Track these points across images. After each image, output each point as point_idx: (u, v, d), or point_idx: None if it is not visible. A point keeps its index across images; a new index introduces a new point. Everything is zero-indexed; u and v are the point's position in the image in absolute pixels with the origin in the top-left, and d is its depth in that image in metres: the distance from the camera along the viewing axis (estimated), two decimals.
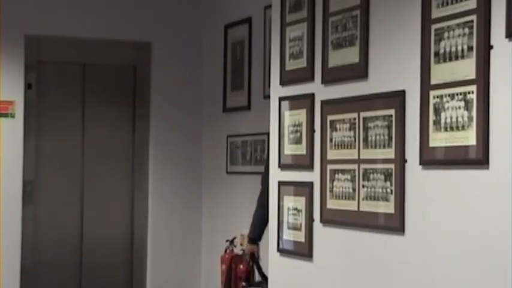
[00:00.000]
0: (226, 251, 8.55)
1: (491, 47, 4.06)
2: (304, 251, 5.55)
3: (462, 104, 4.21)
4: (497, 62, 4.03)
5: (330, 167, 5.31)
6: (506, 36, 3.96)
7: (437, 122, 4.37)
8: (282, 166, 5.89)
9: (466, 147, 4.18)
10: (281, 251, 5.87)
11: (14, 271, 8.97)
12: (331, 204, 5.29)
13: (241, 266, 8.30)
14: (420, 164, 4.51)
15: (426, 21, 4.49)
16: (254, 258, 6.84)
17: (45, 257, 9.12)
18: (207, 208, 9.30)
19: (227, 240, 8.58)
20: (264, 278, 6.56)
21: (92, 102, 9.38)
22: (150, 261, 9.30)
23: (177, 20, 9.42)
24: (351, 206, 5.10)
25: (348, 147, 5.15)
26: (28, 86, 9.07)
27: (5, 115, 8.93)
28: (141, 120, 9.47)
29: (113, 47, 9.37)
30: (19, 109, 9.00)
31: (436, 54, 4.40)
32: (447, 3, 4.34)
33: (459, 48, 4.23)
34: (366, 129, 4.98)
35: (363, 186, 4.99)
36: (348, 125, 5.15)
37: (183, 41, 9.46)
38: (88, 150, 9.35)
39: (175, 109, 9.42)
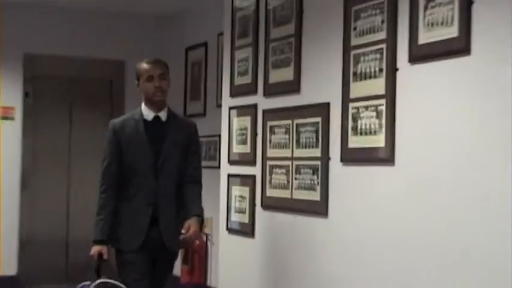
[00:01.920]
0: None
1: (397, 69, 4.09)
2: (248, 230, 5.57)
3: (374, 114, 4.23)
4: (402, 81, 4.07)
5: (269, 163, 5.32)
6: (409, 61, 4.01)
7: (354, 128, 4.39)
8: (231, 162, 5.89)
9: (377, 148, 4.21)
10: (229, 230, 5.88)
11: (13, 245, 8.90)
12: (270, 192, 5.29)
13: (197, 242, 8.32)
14: (341, 161, 4.54)
15: (346, 47, 4.50)
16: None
17: (38, 233, 9.04)
18: None
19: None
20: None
21: (76, 109, 9.34)
22: None
23: (147, 42, 9.35)
24: (285, 194, 5.11)
25: (283, 147, 5.15)
26: (26, 95, 9.03)
27: (7, 118, 8.91)
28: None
29: (94, 64, 9.33)
30: (18, 113, 8.96)
31: (355, 74, 4.41)
32: (363, 34, 4.37)
33: (372, 69, 4.26)
34: (298, 133, 4.99)
35: (295, 179, 5.00)
36: (283, 130, 5.16)
37: None
38: (73, 146, 9.31)
39: None
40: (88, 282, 4.69)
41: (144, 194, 4.81)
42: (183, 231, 4.71)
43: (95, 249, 4.82)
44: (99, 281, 4.64)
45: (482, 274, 3.51)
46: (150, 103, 4.88)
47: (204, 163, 8.38)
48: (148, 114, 4.89)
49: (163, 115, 4.90)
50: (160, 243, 4.82)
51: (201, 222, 4.88)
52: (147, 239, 4.79)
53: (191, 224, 4.74)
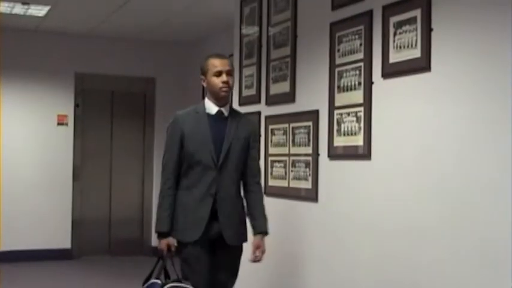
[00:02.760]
0: None
1: (372, 83, 4.08)
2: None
3: (354, 119, 4.22)
4: (376, 92, 4.06)
5: (270, 158, 5.30)
6: (382, 76, 4.00)
7: (338, 130, 4.38)
8: None
9: (357, 146, 4.20)
10: None
11: (67, 225, 8.93)
12: (272, 182, 5.27)
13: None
14: (328, 156, 4.52)
15: (332, 65, 4.49)
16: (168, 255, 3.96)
17: (87, 215, 9.08)
18: None
19: None
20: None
21: (117, 117, 9.36)
22: (154, 219, 9.24)
23: (173, 63, 9.38)
24: (284, 183, 5.09)
25: (282, 146, 5.14)
26: (76, 105, 9.05)
27: (62, 124, 8.93)
28: (149, 129, 9.44)
29: (131, 80, 9.34)
30: (70, 120, 8.98)
31: (338, 86, 4.40)
32: (345, 54, 4.35)
33: (353, 83, 4.25)
34: (294, 134, 4.97)
35: (291, 171, 4.99)
36: (282, 132, 5.15)
37: (177, 77, 9.42)
38: (114, 146, 9.35)
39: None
40: (157, 281, 3.83)
41: (205, 185, 3.88)
42: (255, 253, 3.96)
43: (163, 243, 3.92)
44: (170, 285, 3.76)
45: (440, 249, 3.50)
46: (215, 98, 3.98)
47: None
48: (211, 108, 3.98)
49: (226, 110, 4.01)
50: (220, 237, 3.90)
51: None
52: (207, 231, 3.86)
53: (260, 245, 3.97)
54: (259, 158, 4.41)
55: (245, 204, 4.04)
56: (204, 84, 4.03)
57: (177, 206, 3.93)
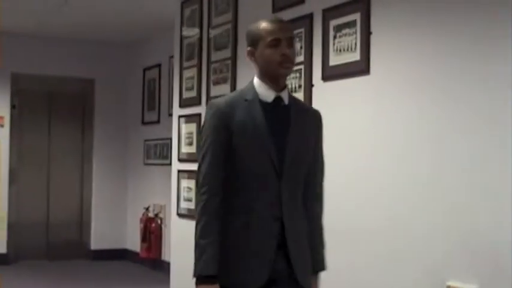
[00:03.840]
0: (143, 214, 8.50)
1: (312, 85, 4.11)
2: (194, 214, 5.43)
3: None
4: (316, 94, 4.08)
5: None
6: (322, 79, 4.02)
7: None
8: (180, 160, 5.83)
9: None
10: (179, 215, 5.81)
11: (3, 228, 8.75)
12: None
13: (153, 225, 8.26)
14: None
15: None
16: None
17: (24, 219, 8.88)
18: (131, 187, 9.16)
19: (144, 207, 8.52)
20: None
21: (55, 118, 9.17)
22: (94, 221, 9.12)
23: (112, 64, 9.28)
24: None
25: None
26: (13, 107, 8.84)
27: None
28: (88, 130, 9.28)
29: (69, 81, 9.18)
30: (7, 122, 8.77)
31: None
32: None
33: (294, 85, 4.25)
34: None
35: None
36: None
37: (117, 78, 9.31)
38: (53, 149, 9.15)
39: (111, 123, 9.27)
40: None
41: (266, 205, 2.56)
42: None
43: None
44: None
45: (382, 250, 3.53)
46: (270, 78, 2.64)
47: (158, 161, 8.47)
48: (266, 94, 2.64)
49: (285, 96, 2.67)
50: (289, 277, 2.57)
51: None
52: (274, 272, 2.55)
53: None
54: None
55: None
56: (253, 60, 2.69)
57: (227, 238, 2.59)
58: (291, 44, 2.61)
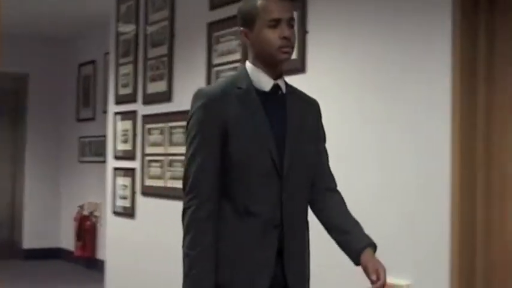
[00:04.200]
0: (78, 213, 8.38)
1: None
2: (129, 212, 5.46)
3: None
4: None
5: (147, 158, 5.24)
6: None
7: None
8: (116, 157, 5.77)
9: None
10: (115, 212, 5.74)
11: None
12: (148, 182, 5.22)
13: (88, 222, 8.15)
14: None
15: (209, 65, 4.50)
16: None
17: None
18: (65, 184, 9.01)
19: (78, 206, 8.40)
20: None
21: None
22: (26, 220, 8.94)
23: (47, 60, 9.10)
24: (160, 183, 5.05)
25: (159, 145, 5.09)
26: None
27: None
28: (21, 127, 9.09)
29: (2, 76, 8.96)
30: None
31: None
32: (222, 54, 4.38)
33: None
34: (171, 134, 4.95)
35: (169, 171, 4.96)
36: (159, 131, 5.10)
37: (51, 74, 9.13)
38: None
39: (44, 120, 9.08)
40: None
41: (264, 209, 2.20)
42: (372, 277, 2.15)
43: None
44: None
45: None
46: (268, 64, 2.25)
47: (93, 158, 8.36)
48: (263, 81, 2.26)
49: (282, 84, 2.32)
50: (282, 283, 2.25)
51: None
52: (273, 282, 2.22)
53: (380, 268, 2.16)
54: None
55: (322, 217, 2.37)
56: (247, 41, 2.28)
57: (222, 247, 2.20)
58: (291, 25, 2.23)
